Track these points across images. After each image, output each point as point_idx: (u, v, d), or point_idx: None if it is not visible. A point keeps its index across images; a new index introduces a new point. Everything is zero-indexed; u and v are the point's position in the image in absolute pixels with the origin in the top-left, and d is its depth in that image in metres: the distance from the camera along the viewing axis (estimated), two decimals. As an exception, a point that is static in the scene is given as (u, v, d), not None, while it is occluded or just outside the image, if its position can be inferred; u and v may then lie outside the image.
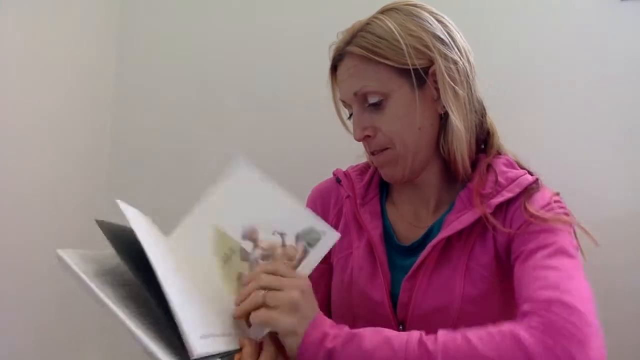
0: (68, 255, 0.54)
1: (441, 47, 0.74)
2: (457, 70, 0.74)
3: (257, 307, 0.60)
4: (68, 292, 1.21)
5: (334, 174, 0.90)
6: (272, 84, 1.27)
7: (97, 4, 1.32)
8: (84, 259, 0.56)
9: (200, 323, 0.55)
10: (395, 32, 0.72)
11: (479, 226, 0.75)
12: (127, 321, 0.50)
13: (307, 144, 1.24)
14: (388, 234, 0.82)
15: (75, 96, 1.25)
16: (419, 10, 0.76)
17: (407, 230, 0.82)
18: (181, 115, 1.34)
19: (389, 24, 0.73)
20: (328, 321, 0.62)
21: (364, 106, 0.77)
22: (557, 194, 0.76)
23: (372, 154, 0.79)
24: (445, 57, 0.74)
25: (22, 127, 1.10)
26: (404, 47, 0.72)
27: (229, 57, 1.31)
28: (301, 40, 1.25)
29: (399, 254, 0.80)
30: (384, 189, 0.87)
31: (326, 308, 0.88)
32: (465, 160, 0.77)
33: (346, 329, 0.62)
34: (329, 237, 0.67)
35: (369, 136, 0.77)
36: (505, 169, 0.77)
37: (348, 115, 0.83)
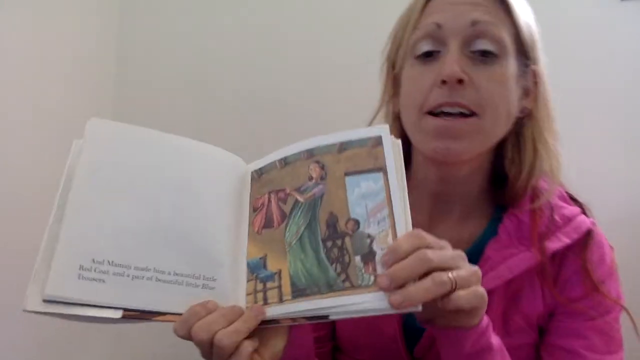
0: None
1: (540, 51, 0.67)
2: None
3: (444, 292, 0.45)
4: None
5: None
6: (272, 84, 1.28)
7: (97, 4, 1.32)
8: None
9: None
10: (527, 8, 0.65)
11: (530, 271, 0.62)
12: None
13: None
14: None
15: (76, 96, 1.25)
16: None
17: None
18: (181, 115, 1.34)
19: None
20: None
21: (463, 50, 0.60)
22: (612, 248, 0.66)
23: (450, 114, 0.59)
24: (541, 61, 0.66)
25: (23, 127, 1.10)
26: (531, 26, 0.64)
27: (228, 57, 1.31)
28: (301, 41, 1.25)
29: None
30: None
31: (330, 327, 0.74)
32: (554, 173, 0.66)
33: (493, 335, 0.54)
34: None
35: (461, 82, 0.58)
36: (560, 202, 0.65)
37: (419, 53, 0.62)
